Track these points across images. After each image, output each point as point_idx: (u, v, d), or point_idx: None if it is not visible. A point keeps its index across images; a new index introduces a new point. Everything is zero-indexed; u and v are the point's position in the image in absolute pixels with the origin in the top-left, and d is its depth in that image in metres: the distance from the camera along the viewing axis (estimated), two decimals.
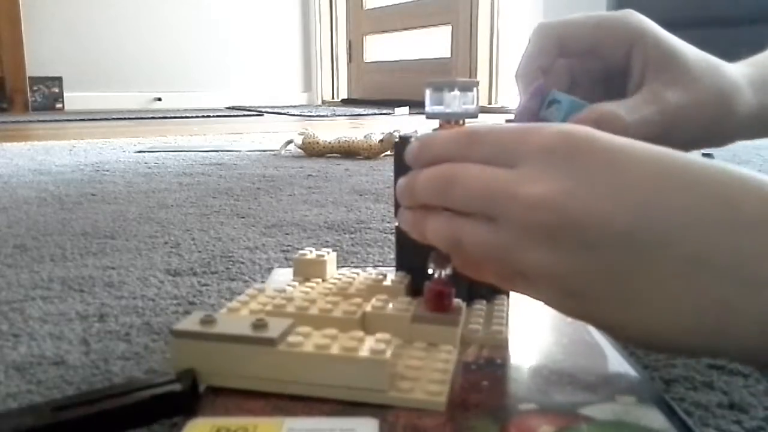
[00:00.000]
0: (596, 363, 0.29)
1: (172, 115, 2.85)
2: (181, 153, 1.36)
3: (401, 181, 0.30)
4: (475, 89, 0.34)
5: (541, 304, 0.27)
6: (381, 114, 2.89)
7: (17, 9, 3.31)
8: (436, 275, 0.30)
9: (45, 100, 3.53)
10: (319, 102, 4.22)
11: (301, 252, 0.40)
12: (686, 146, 0.26)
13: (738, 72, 0.38)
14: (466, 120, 0.34)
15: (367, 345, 0.26)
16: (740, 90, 0.37)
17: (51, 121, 2.61)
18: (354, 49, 4.11)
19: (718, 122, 0.37)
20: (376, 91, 3.81)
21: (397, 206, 0.35)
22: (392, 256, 0.54)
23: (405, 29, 3.66)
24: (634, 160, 0.25)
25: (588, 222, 0.24)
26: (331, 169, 1.10)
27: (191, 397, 0.25)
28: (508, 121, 0.37)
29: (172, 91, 3.81)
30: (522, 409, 0.24)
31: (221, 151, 1.41)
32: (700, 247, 0.23)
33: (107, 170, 1.10)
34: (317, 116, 2.82)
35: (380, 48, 3.94)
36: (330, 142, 1.28)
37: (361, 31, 4.03)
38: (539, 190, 0.24)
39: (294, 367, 0.25)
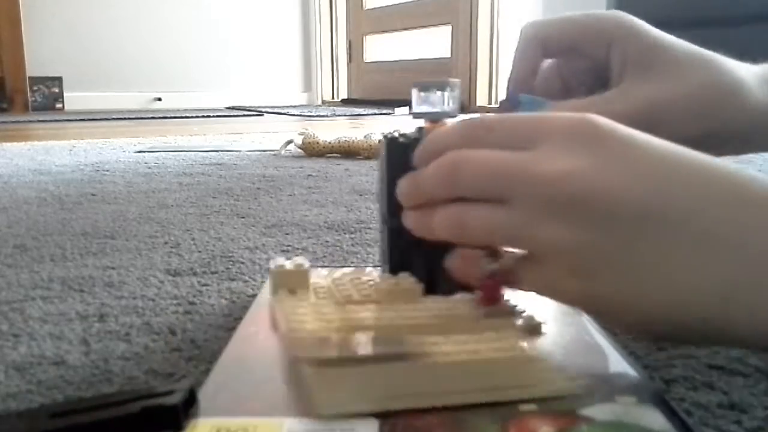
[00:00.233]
0: (596, 363, 0.29)
1: (172, 115, 2.85)
2: (181, 153, 1.36)
3: (403, 181, 0.30)
4: (457, 89, 0.35)
5: (540, 303, 0.27)
6: (381, 114, 2.89)
7: (17, 9, 3.31)
8: (489, 269, 0.30)
9: (45, 100, 3.54)
10: (319, 102, 4.22)
11: (277, 264, 0.37)
12: (689, 144, 0.27)
13: (746, 68, 0.38)
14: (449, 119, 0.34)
15: (510, 343, 0.25)
16: (744, 84, 0.37)
17: (51, 121, 2.61)
18: (354, 49, 4.11)
19: (716, 117, 0.37)
20: (376, 91, 3.81)
21: (389, 208, 0.35)
22: None
23: (405, 29, 3.66)
24: (648, 143, 0.26)
25: (604, 198, 0.24)
26: (331, 169, 1.10)
27: (179, 413, 0.24)
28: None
29: (172, 91, 3.81)
30: (522, 410, 0.24)
31: (221, 151, 1.41)
32: (711, 225, 0.24)
33: (107, 170, 1.10)
34: (317, 116, 2.82)
35: (380, 48, 3.94)
36: (330, 142, 1.28)
37: (361, 31, 4.02)
38: (557, 167, 0.25)
39: (442, 378, 0.24)
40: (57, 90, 3.57)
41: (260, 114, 3.06)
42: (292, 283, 0.37)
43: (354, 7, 4.05)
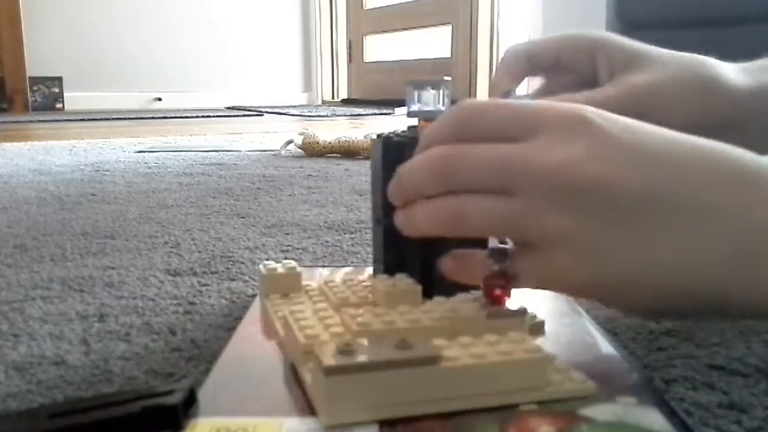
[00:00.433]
0: (596, 363, 0.29)
1: (172, 115, 2.85)
2: (181, 153, 1.36)
3: (393, 179, 0.30)
4: (450, 87, 0.35)
5: (538, 303, 0.27)
6: (381, 114, 2.89)
7: (17, 9, 3.31)
8: (495, 269, 0.30)
9: (45, 100, 3.54)
10: (319, 102, 4.22)
11: (268, 267, 0.37)
12: (685, 128, 0.28)
13: (725, 64, 0.40)
14: None
15: (518, 346, 0.25)
16: (722, 72, 0.39)
17: (51, 121, 2.61)
18: (354, 49, 4.11)
19: (700, 103, 0.38)
20: (376, 91, 3.81)
21: (383, 207, 0.35)
22: None
23: (405, 29, 3.66)
24: (643, 129, 0.27)
25: (603, 184, 0.25)
26: (331, 169, 1.10)
27: (179, 413, 0.24)
28: None
29: (172, 91, 3.81)
30: (522, 410, 0.24)
31: (221, 151, 1.41)
32: (710, 201, 0.25)
33: (107, 170, 1.10)
34: (317, 116, 2.82)
35: (380, 48, 3.94)
36: (330, 142, 1.28)
37: (361, 31, 4.03)
38: (557, 157, 0.26)
39: (458, 382, 0.24)
40: (57, 90, 3.57)
41: (260, 114, 3.06)
42: (284, 287, 0.37)
43: (354, 7, 4.05)
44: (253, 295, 0.43)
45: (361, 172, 1.06)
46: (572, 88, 0.40)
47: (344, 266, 0.47)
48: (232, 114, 3.09)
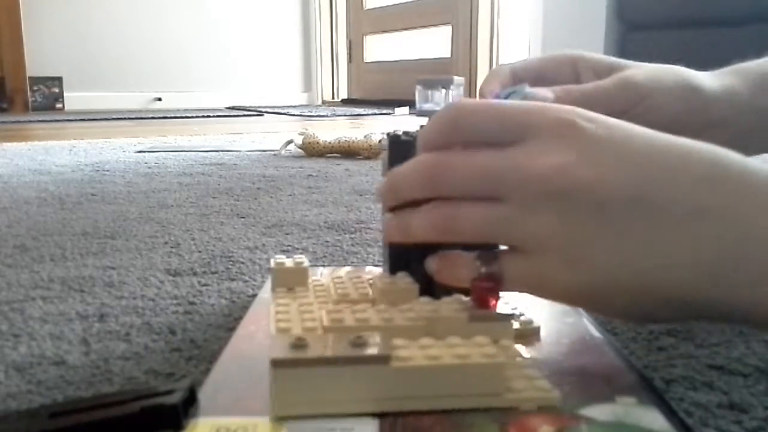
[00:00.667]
0: (596, 363, 0.29)
1: (172, 115, 2.85)
2: (181, 153, 1.36)
3: (383, 182, 0.30)
4: (461, 87, 0.35)
5: (538, 303, 0.27)
6: (381, 114, 2.89)
7: (17, 9, 3.31)
8: (482, 272, 0.30)
9: (45, 100, 3.54)
10: (319, 102, 4.22)
11: (277, 261, 0.38)
12: (669, 127, 0.28)
13: (690, 69, 0.42)
14: None
15: (477, 350, 0.25)
16: (696, 73, 0.41)
17: (51, 121, 2.61)
18: (354, 49, 4.11)
19: (683, 97, 0.40)
20: (376, 91, 3.81)
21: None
22: None
23: (405, 29, 3.66)
24: (630, 132, 0.27)
25: (593, 189, 0.25)
26: (331, 169, 1.10)
27: (179, 413, 0.24)
28: None
29: (172, 91, 3.81)
30: (522, 409, 0.24)
31: (221, 151, 1.41)
32: (695, 204, 0.25)
33: (107, 170, 1.10)
34: (317, 116, 2.82)
35: (380, 48, 3.94)
36: (330, 142, 1.28)
37: (361, 31, 4.03)
38: (547, 163, 0.26)
39: (409, 383, 0.24)
40: (57, 90, 3.57)
41: (260, 114, 3.06)
42: (291, 281, 0.37)
43: (354, 7, 4.05)
44: (253, 295, 0.43)
45: (361, 172, 1.06)
46: None
47: (365, 265, 0.47)
48: (232, 114, 3.09)
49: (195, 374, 0.31)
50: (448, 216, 0.28)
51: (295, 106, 3.72)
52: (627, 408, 0.25)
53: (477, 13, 3.10)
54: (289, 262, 0.38)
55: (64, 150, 1.43)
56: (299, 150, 1.31)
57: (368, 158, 1.24)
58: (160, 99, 3.79)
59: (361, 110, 3.10)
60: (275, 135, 1.78)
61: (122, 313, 0.40)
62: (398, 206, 0.30)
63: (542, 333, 0.32)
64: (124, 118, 2.67)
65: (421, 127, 0.35)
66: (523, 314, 0.33)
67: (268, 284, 0.40)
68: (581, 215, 0.26)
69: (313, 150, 1.29)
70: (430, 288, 0.33)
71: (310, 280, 0.37)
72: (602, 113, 0.28)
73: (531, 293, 0.29)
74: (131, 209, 0.75)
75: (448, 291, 0.32)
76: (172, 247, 0.57)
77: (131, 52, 3.70)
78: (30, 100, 3.44)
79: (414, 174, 0.29)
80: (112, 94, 3.66)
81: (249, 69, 4.01)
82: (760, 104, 0.41)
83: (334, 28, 4.18)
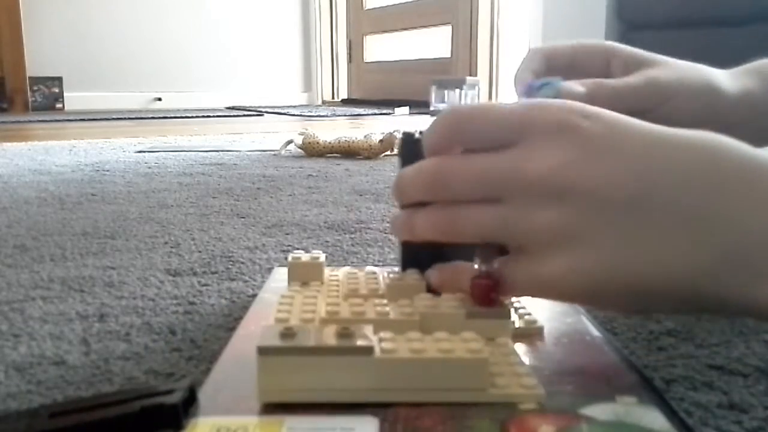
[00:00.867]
0: (596, 363, 0.29)
1: (172, 115, 2.85)
2: (181, 153, 1.36)
3: (394, 183, 0.31)
4: (477, 87, 0.35)
5: (539, 303, 0.27)
6: (381, 114, 2.89)
7: (17, 9, 3.31)
8: (482, 270, 0.30)
9: (45, 100, 3.54)
10: (319, 102, 4.22)
11: (293, 256, 0.39)
12: (687, 126, 0.28)
13: (710, 68, 0.43)
14: None
15: (462, 345, 0.25)
16: (718, 74, 0.42)
17: (51, 121, 2.61)
18: (354, 49, 4.11)
19: (702, 101, 0.41)
20: (376, 91, 3.81)
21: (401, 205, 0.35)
22: (392, 255, 0.54)
23: (405, 29, 3.65)
24: (629, 129, 0.27)
25: (594, 186, 0.26)
26: (331, 169, 1.10)
27: (179, 412, 0.24)
28: None
29: (172, 91, 3.81)
30: (522, 409, 0.24)
31: (221, 151, 1.41)
32: (696, 204, 0.25)
33: (107, 170, 1.10)
34: (317, 116, 2.82)
35: (380, 48, 3.94)
36: (330, 142, 1.28)
37: (361, 31, 4.03)
38: (546, 163, 0.26)
39: (391, 375, 0.25)
40: (57, 90, 3.57)
41: (260, 114, 3.06)
42: (306, 275, 0.38)
43: (354, 7, 4.05)
44: (254, 295, 0.43)
45: (361, 172, 1.06)
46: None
47: (380, 265, 0.47)
48: (232, 114, 3.09)
49: (195, 374, 0.31)
50: (449, 217, 0.29)
51: (295, 106, 3.72)
52: (627, 407, 0.25)
53: (477, 13, 3.09)
54: (305, 257, 0.38)
55: (64, 150, 1.43)
56: (299, 150, 1.31)
57: (368, 158, 1.24)
58: (160, 99, 3.79)
59: (361, 110, 3.10)
60: (275, 135, 1.78)
61: (122, 313, 0.40)
62: (409, 204, 0.31)
63: (544, 334, 0.32)
64: (124, 118, 2.67)
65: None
66: (529, 313, 0.33)
67: (268, 284, 0.41)
68: (581, 214, 0.26)
69: (313, 150, 1.29)
70: None
71: (326, 276, 0.38)
72: (629, 111, 0.29)
73: (533, 295, 0.29)
74: (131, 209, 0.75)
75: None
76: (172, 247, 0.57)
77: (131, 52, 3.70)
78: (30, 100, 3.44)
79: (417, 179, 0.30)
80: (112, 94, 3.66)
81: (249, 69, 4.01)
82: None
83: (334, 28, 4.18)
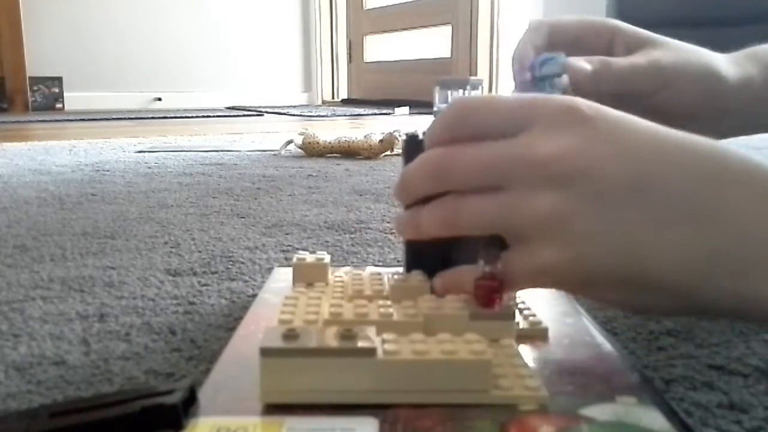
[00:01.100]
0: (596, 363, 0.29)
1: (172, 115, 2.85)
2: (181, 153, 1.36)
3: (397, 182, 0.31)
4: (480, 87, 0.35)
5: (540, 303, 0.27)
6: (381, 114, 2.89)
7: (17, 9, 3.31)
8: (485, 271, 0.30)
9: (45, 100, 3.53)
10: (319, 102, 4.22)
11: (298, 257, 0.39)
12: (686, 115, 0.28)
13: (713, 52, 0.43)
14: None
15: (465, 347, 0.25)
16: (719, 59, 0.42)
17: (51, 121, 2.61)
18: (354, 49, 4.11)
19: (704, 86, 0.40)
20: (376, 91, 3.81)
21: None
22: (392, 255, 0.54)
23: (405, 29, 3.65)
24: (632, 125, 0.27)
25: (594, 174, 0.26)
26: (331, 169, 1.10)
27: (179, 412, 0.24)
28: None
29: (172, 91, 3.81)
30: (522, 409, 0.24)
31: (221, 151, 1.41)
32: (692, 200, 0.25)
33: (107, 170, 1.10)
34: (317, 116, 2.81)
35: (380, 48, 3.94)
36: (330, 142, 1.28)
37: (361, 31, 4.02)
38: (548, 150, 0.26)
39: (394, 376, 0.25)
40: (57, 90, 3.57)
41: (260, 114, 3.06)
42: (310, 276, 0.38)
43: (354, 7, 4.05)
44: (254, 295, 0.43)
45: (361, 172, 1.06)
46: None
47: (381, 265, 0.47)
48: (232, 114, 3.09)
49: (195, 374, 0.31)
50: (453, 209, 0.29)
51: (295, 106, 3.72)
52: (627, 408, 0.25)
53: (477, 13, 3.09)
54: (310, 258, 0.38)
55: (64, 150, 1.43)
56: (299, 150, 1.31)
57: (368, 158, 1.24)
58: (160, 99, 3.78)
59: (361, 110, 3.10)
60: (275, 135, 1.77)
61: (122, 313, 0.40)
62: (413, 204, 0.31)
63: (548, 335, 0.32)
64: (124, 118, 2.67)
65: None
66: (534, 315, 0.33)
67: (268, 284, 0.40)
68: (579, 201, 0.26)
69: (313, 150, 1.29)
70: None
71: (331, 277, 0.38)
72: (633, 92, 0.29)
73: (534, 285, 0.29)
74: (131, 209, 0.75)
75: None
76: (172, 247, 0.57)
77: (131, 52, 3.70)
78: (30, 100, 3.44)
79: (421, 169, 0.30)
80: (112, 94, 3.66)
81: (249, 69, 4.01)
82: None
83: (334, 28, 4.17)
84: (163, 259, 0.53)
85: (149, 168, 1.12)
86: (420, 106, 2.97)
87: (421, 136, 0.35)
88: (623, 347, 0.31)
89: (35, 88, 3.49)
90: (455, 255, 0.33)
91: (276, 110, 3.24)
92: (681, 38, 0.42)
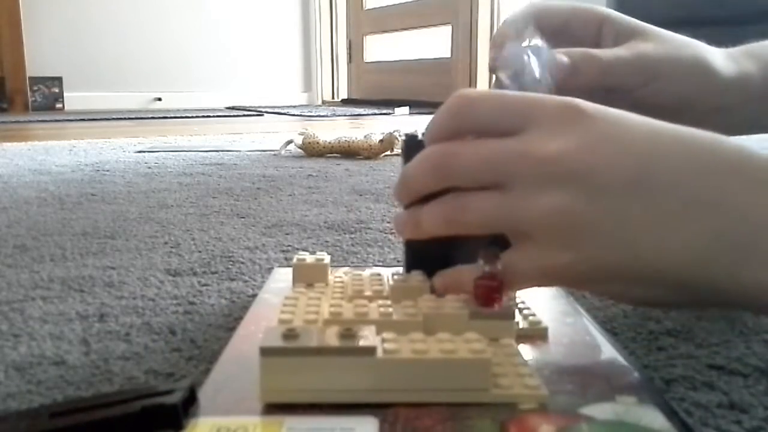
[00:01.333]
0: (596, 363, 0.29)
1: (172, 115, 2.85)
2: (181, 153, 1.36)
3: (397, 181, 0.31)
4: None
5: (539, 303, 0.27)
6: (381, 114, 2.89)
7: (17, 9, 3.31)
8: (485, 270, 0.30)
9: (45, 100, 3.54)
10: (319, 102, 4.22)
11: (298, 257, 0.39)
12: (677, 109, 0.29)
13: (711, 47, 0.42)
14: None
15: (465, 346, 0.25)
16: (714, 53, 0.41)
17: (51, 121, 2.61)
18: (354, 49, 4.11)
19: (694, 81, 0.40)
20: (376, 91, 3.81)
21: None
22: (392, 255, 0.54)
23: (405, 29, 3.66)
24: (632, 121, 0.28)
25: (595, 172, 0.26)
26: (331, 169, 1.10)
27: (179, 412, 0.24)
28: None
29: (172, 91, 3.81)
30: (522, 408, 0.24)
31: (221, 151, 1.41)
32: (693, 191, 0.26)
33: (107, 170, 1.10)
34: (317, 116, 2.81)
35: (380, 48, 3.94)
36: (330, 142, 1.28)
37: (361, 31, 4.03)
38: (550, 148, 0.26)
39: (394, 375, 0.25)
40: (57, 90, 3.57)
41: (260, 114, 3.06)
42: (310, 277, 0.38)
43: (354, 7, 4.05)
44: (254, 295, 0.43)
45: (361, 172, 1.06)
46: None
47: (382, 265, 0.47)
48: (232, 114, 3.09)
49: (195, 374, 0.31)
50: (455, 207, 0.29)
51: (295, 106, 3.72)
52: (627, 407, 0.25)
53: (477, 13, 3.10)
54: (310, 258, 0.38)
55: (64, 150, 1.43)
56: (299, 150, 1.31)
57: (368, 158, 1.24)
58: (160, 99, 3.78)
59: (361, 110, 3.10)
60: (275, 135, 1.77)
61: (122, 313, 0.40)
62: (412, 204, 0.31)
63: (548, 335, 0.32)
64: (124, 118, 2.67)
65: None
66: (534, 314, 0.33)
67: (268, 284, 0.40)
68: (582, 199, 0.26)
69: (313, 150, 1.29)
70: None
71: (331, 277, 0.38)
72: (616, 87, 0.29)
73: (539, 283, 0.30)
74: (131, 209, 0.75)
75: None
76: (172, 247, 0.57)
77: (131, 52, 3.70)
78: (30, 100, 3.44)
79: (422, 165, 0.30)
80: (112, 94, 3.66)
81: (249, 69, 4.01)
82: None
83: (334, 28, 4.18)
84: (163, 259, 0.53)
85: (149, 168, 1.12)
86: (420, 106, 2.97)
87: (420, 137, 0.34)
88: (623, 347, 0.31)
89: (35, 88, 3.49)
90: (455, 255, 0.33)
91: (276, 110, 3.24)
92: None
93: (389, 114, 2.87)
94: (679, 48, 0.40)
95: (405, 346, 0.25)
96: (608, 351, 0.30)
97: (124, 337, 0.36)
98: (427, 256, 0.34)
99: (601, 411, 0.24)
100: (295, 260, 0.38)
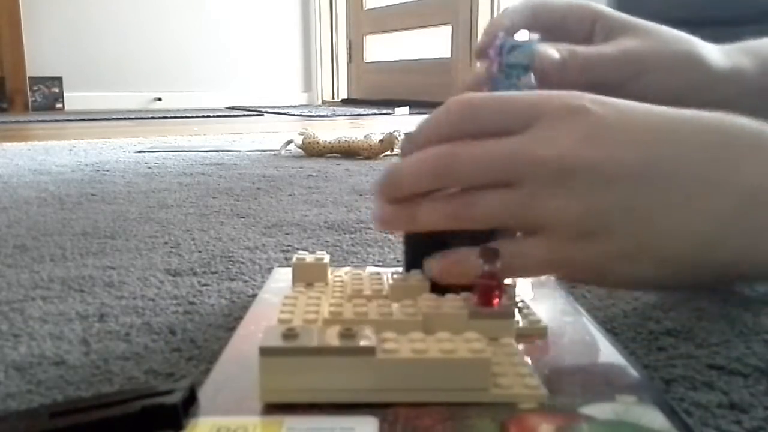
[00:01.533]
0: (596, 363, 0.29)
1: (172, 115, 2.85)
2: (181, 153, 1.36)
3: (382, 174, 0.31)
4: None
5: (539, 303, 0.27)
6: (381, 114, 2.89)
7: (17, 9, 3.31)
8: (485, 269, 0.30)
9: (45, 100, 3.54)
10: (319, 102, 4.22)
11: (298, 257, 0.38)
12: (669, 103, 0.29)
13: (706, 43, 0.42)
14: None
15: (464, 345, 0.25)
16: (707, 48, 0.41)
17: (51, 121, 2.61)
18: (354, 49, 4.11)
19: (685, 76, 0.40)
20: (376, 91, 3.81)
21: None
22: (392, 255, 0.54)
23: (405, 29, 3.66)
24: (635, 111, 0.28)
25: (603, 166, 0.26)
26: (331, 169, 1.10)
27: (179, 412, 0.24)
28: None
29: (172, 91, 3.81)
30: (522, 408, 0.24)
31: (221, 151, 1.41)
32: (701, 172, 0.26)
33: (107, 170, 1.10)
34: (317, 116, 2.81)
35: (380, 48, 3.94)
36: (330, 142, 1.28)
37: (361, 31, 4.03)
38: (559, 145, 0.27)
39: (394, 375, 0.25)
40: (57, 90, 3.57)
41: (260, 114, 3.06)
42: (310, 276, 0.38)
43: (354, 7, 4.05)
44: (253, 295, 0.43)
45: (361, 172, 1.06)
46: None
47: (382, 265, 0.47)
48: (232, 114, 3.09)
49: (195, 374, 0.31)
50: (464, 203, 0.29)
51: (295, 106, 3.72)
52: (627, 406, 0.25)
53: (477, 13, 3.10)
54: (309, 258, 0.38)
55: (64, 150, 1.43)
56: (299, 150, 1.31)
57: (368, 158, 1.24)
58: (160, 99, 3.79)
59: (361, 110, 3.10)
60: (275, 135, 1.77)
61: (122, 313, 0.40)
62: (402, 198, 0.31)
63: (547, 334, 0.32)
64: (124, 118, 2.67)
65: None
66: (534, 313, 0.33)
67: (268, 284, 0.41)
68: (591, 193, 0.26)
69: (313, 150, 1.29)
70: (442, 285, 0.33)
71: (330, 277, 0.38)
72: (602, 83, 0.29)
73: (548, 272, 0.30)
74: (131, 209, 0.75)
75: (461, 288, 0.32)
76: (172, 247, 0.57)
77: (131, 52, 3.70)
78: (30, 100, 3.44)
79: (420, 166, 0.29)
80: (112, 94, 3.66)
81: (249, 69, 4.01)
82: (766, 86, 0.41)
83: (334, 28, 4.18)
84: (163, 259, 0.53)
85: (149, 168, 1.12)
86: (420, 106, 2.97)
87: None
88: (623, 347, 0.31)
89: (35, 88, 3.49)
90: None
91: (276, 110, 3.24)
92: None
93: (389, 114, 2.87)
94: (668, 43, 0.40)
95: (404, 345, 0.25)
96: (608, 351, 0.30)
97: (124, 337, 0.36)
98: (428, 254, 0.34)
99: (601, 411, 0.24)
100: (294, 260, 0.38)
